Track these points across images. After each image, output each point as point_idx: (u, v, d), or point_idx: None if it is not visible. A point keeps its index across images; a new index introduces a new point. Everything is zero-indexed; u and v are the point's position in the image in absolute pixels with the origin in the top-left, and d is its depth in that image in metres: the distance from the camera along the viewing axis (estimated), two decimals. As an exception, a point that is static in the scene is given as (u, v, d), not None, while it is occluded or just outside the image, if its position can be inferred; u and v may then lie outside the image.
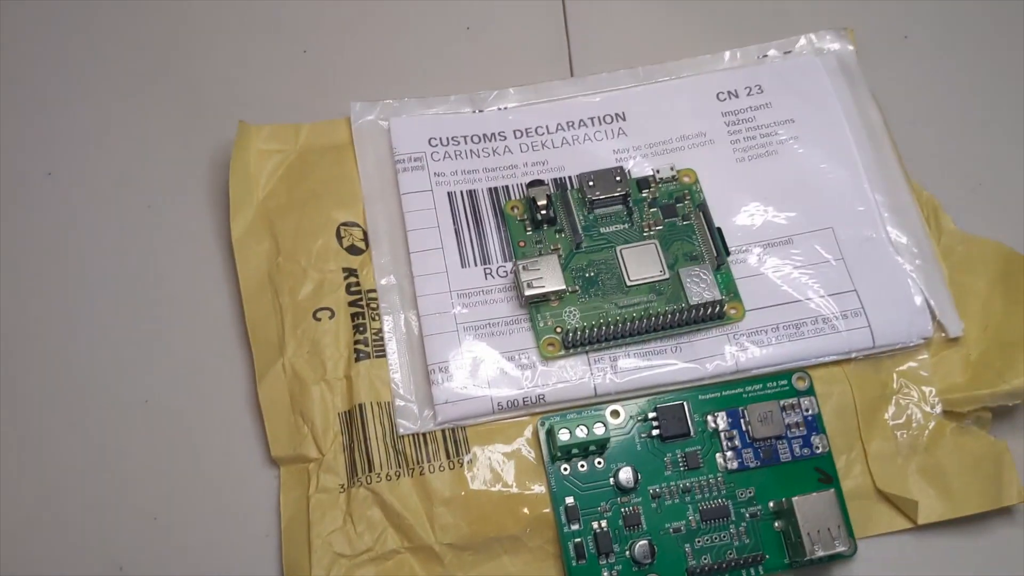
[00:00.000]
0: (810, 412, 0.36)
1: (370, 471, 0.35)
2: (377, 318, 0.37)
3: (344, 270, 0.38)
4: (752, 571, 0.34)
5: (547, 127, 0.41)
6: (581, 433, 0.34)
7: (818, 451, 0.35)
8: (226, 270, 0.39)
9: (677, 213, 0.39)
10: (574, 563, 0.34)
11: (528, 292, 0.36)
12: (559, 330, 0.37)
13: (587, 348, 0.37)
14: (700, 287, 0.37)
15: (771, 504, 0.35)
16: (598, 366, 0.36)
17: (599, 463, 0.35)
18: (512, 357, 0.37)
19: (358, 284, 0.38)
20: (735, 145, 0.41)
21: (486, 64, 0.44)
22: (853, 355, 0.37)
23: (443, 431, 0.36)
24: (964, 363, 0.37)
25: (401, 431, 0.36)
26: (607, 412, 0.36)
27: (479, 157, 0.40)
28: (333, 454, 0.36)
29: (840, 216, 0.39)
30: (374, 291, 0.38)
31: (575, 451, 0.35)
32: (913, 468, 0.36)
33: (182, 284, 0.39)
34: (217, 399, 0.37)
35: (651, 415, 0.36)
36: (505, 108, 0.42)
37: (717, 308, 0.37)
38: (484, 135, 0.41)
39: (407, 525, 0.35)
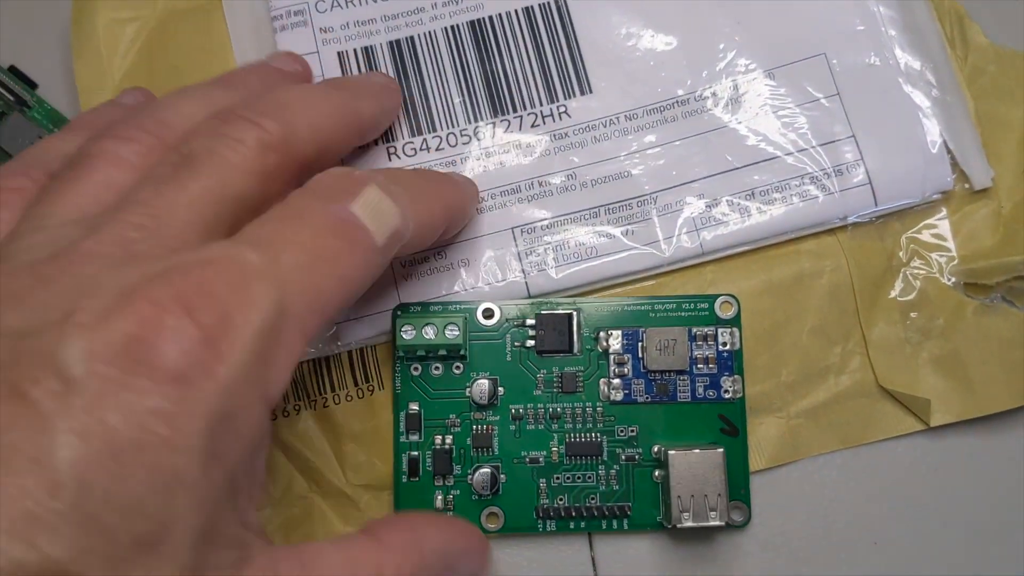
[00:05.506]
0: (728, 347, 0.29)
1: (265, 408, 0.30)
2: (264, 221, 0.31)
3: (220, 164, 0.31)
4: (615, 523, 0.28)
5: (458, -47, 0.33)
6: (429, 334, 0.28)
7: (727, 396, 0.29)
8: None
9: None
10: (404, 479, 0.29)
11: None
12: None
13: (515, 239, 0.30)
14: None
15: (654, 449, 0.28)
16: (529, 260, 0.30)
17: (458, 368, 0.29)
18: (426, 258, 0.30)
19: (239, 180, 0.31)
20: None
21: None
22: (850, 220, 0.30)
23: (349, 354, 0.30)
24: (994, 220, 0.30)
25: (299, 357, 0.30)
26: (479, 311, 0.29)
27: (376, 2, 0.32)
28: (222, 390, 0.30)
29: (834, 39, 0.31)
30: (258, 187, 0.31)
31: (422, 353, 0.29)
32: (925, 358, 0.29)
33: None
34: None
35: (530, 322, 0.29)
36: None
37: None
38: (380, -27, 0.33)
39: (313, 468, 0.30)
